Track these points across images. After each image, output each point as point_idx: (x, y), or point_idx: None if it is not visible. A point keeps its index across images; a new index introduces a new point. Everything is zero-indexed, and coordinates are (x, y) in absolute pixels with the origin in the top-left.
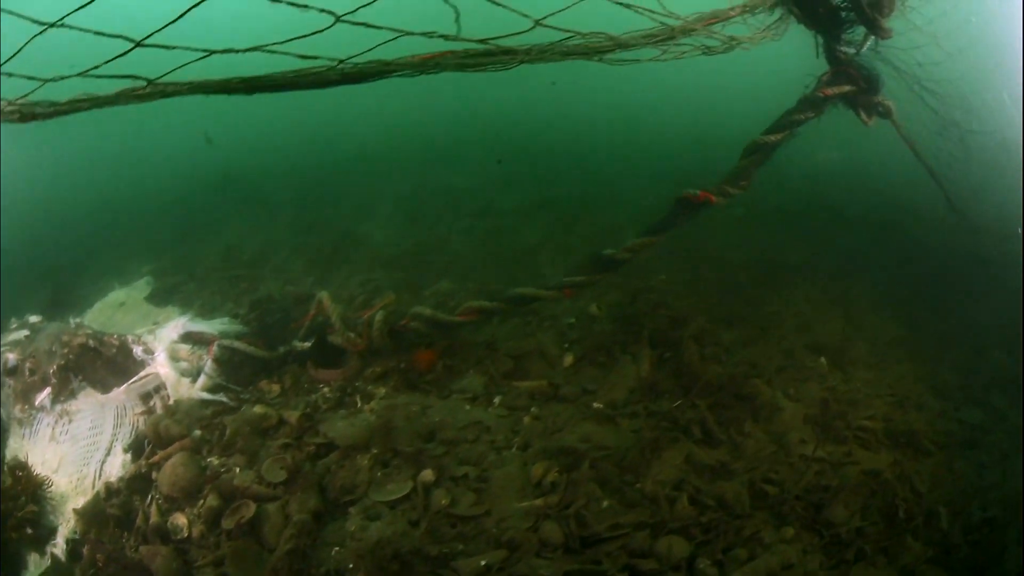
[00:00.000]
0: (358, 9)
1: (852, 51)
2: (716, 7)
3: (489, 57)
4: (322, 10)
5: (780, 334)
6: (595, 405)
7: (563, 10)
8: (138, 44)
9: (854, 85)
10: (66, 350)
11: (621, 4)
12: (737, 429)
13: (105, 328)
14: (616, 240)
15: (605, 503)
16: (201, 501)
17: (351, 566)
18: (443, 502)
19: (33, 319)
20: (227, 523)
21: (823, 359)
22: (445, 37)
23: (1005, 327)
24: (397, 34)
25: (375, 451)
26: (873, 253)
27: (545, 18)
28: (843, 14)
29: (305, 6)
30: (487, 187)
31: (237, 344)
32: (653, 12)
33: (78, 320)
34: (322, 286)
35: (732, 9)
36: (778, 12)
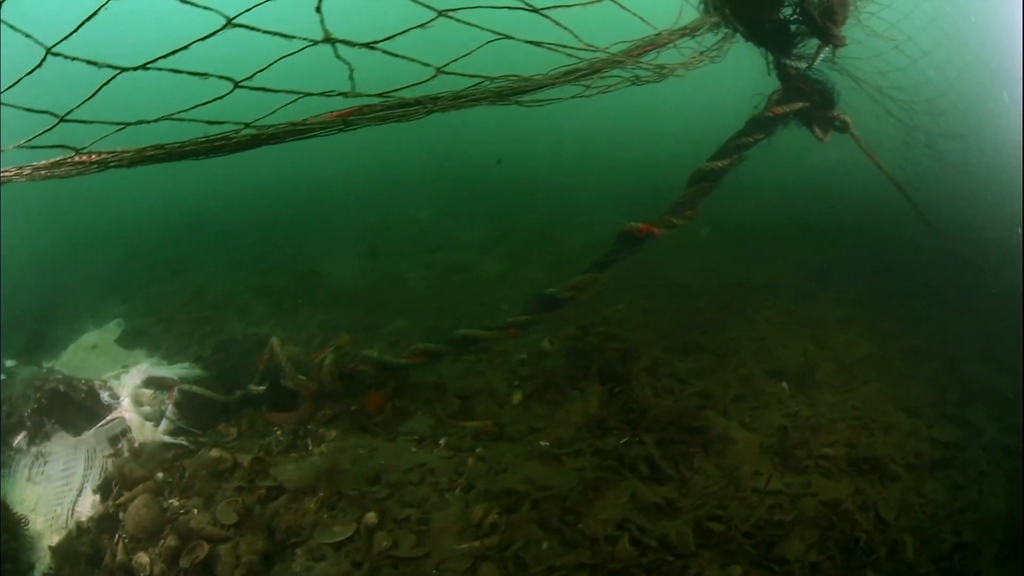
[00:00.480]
0: (255, 74)
1: (804, 65)
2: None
3: (398, 110)
4: (221, 76)
5: (739, 360)
6: (542, 444)
7: (467, 55)
8: (62, 119)
9: (807, 101)
10: (39, 394)
11: (533, 43)
12: (687, 464)
13: (78, 371)
14: (575, 269)
15: (545, 544)
16: (162, 541)
17: None
18: (384, 544)
19: (9, 363)
20: (184, 562)
21: (784, 384)
22: (344, 94)
23: (982, 335)
24: (297, 95)
25: (321, 494)
26: (843, 266)
27: (447, 65)
28: (792, 27)
29: (206, 75)
30: (448, 221)
31: (196, 388)
32: (568, 47)
33: (50, 365)
34: (283, 327)
35: (672, 33)
36: (721, 32)
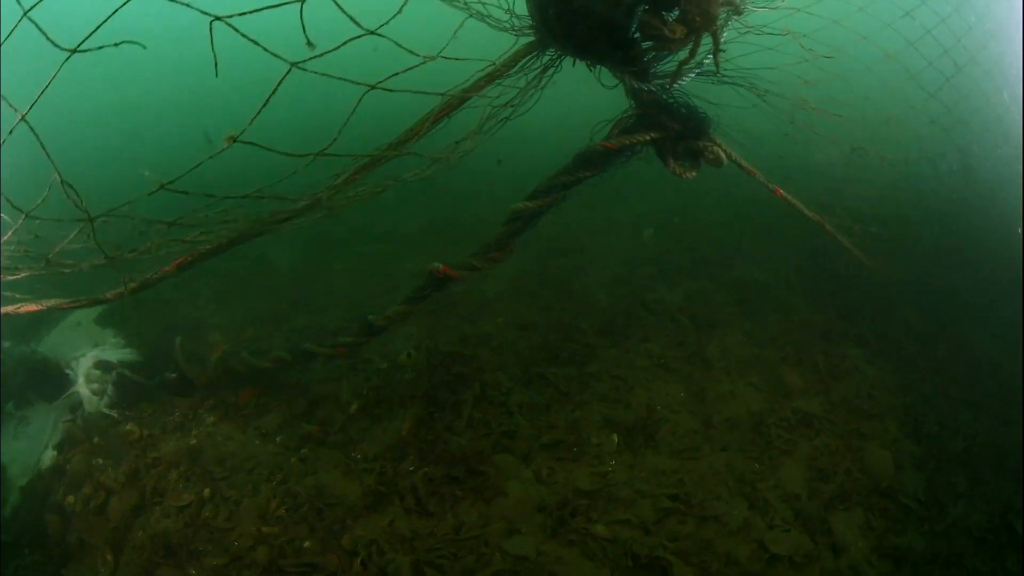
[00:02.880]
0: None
1: (658, 85)
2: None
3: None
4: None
5: (581, 400)
6: (353, 455)
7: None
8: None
9: (661, 130)
10: (24, 370)
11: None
12: (452, 506)
13: (60, 347)
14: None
15: (307, 543)
16: (84, 488)
17: (140, 544)
18: (207, 514)
19: (6, 344)
20: (91, 505)
21: (615, 436)
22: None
23: (911, 409)
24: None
25: (183, 468)
26: (781, 290)
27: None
28: (629, 37)
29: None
30: (404, 206)
31: (127, 372)
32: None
33: (34, 346)
34: (220, 313)
35: (483, 79)
36: (548, 54)
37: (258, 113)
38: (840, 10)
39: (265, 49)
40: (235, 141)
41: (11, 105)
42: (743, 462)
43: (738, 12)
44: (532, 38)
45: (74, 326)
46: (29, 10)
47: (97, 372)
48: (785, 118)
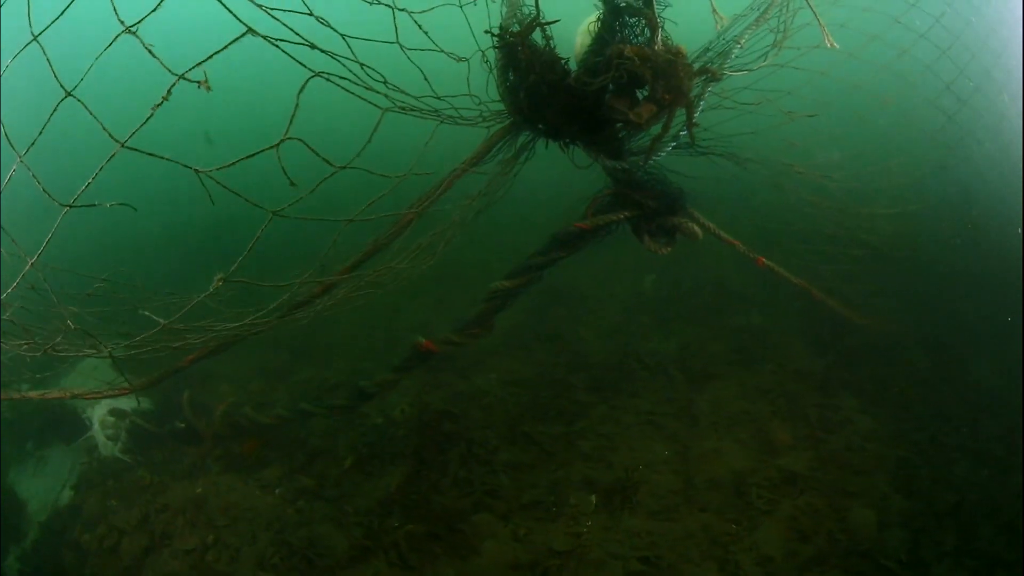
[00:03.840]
0: None
1: (632, 162)
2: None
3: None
4: None
5: (564, 459)
6: (346, 508)
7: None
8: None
9: (636, 209)
10: (43, 414)
11: None
12: (431, 562)
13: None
14: None
15: None
16: (98, 528)
17: None
18: (210, 558)
19: (25, 387)
20: (104, 545)
21: (594, 497)
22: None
23: (905, 457)
24: None
25: (188, 515)
26: (782, 335)
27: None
28: (600, 117)
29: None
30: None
31: (139, 421)
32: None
33: (51, 393)
34: (229, 364)
35: (458, 169)
36: (524, 136)
37: (245, 255)
38: (827, 59)
39: (247, 200)
40: (224, 281)
41: (21, 250)
42: (720, 523)
43: (716, 79)
44: (504, 124)
45: (91, 369)
46: (24, 153)
47: (111, 419)
48: (771, 185)
